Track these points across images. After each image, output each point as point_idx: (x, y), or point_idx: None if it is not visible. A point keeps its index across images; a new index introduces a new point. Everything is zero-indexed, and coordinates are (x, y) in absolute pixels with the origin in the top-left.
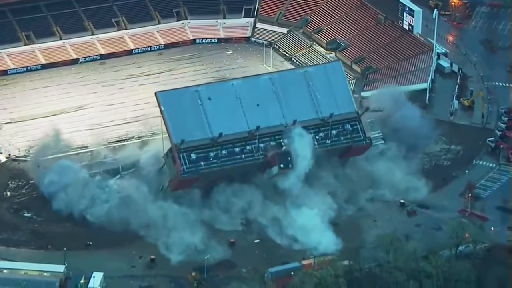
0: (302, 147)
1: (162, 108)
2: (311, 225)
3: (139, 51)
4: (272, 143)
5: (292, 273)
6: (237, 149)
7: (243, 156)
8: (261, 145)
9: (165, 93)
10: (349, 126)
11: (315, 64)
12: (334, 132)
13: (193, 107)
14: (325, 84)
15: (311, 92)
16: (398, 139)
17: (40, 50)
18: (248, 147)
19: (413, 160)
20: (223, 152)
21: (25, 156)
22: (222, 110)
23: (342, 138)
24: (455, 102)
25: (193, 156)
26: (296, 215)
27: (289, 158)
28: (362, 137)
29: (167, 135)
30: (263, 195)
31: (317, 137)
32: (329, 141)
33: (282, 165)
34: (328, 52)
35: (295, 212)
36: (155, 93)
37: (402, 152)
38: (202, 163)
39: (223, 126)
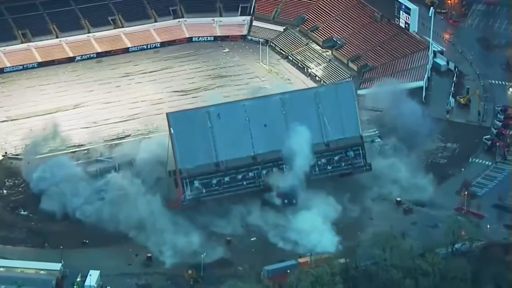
0: (300, 144)
1: (172, 131)
2: (311, 227)
3: (136, 49)
4: (275, 169)
5: (289, 271)
6: (239, 176)
7: (245, 183)
8: (263, 171)
9: (176, 114)
10: (352, 153)
11: (327, 84)
12: (336, 158)
13: (202, 130)
14: (334, 105)
15: (319, 115)
16: (399, 137)
17: (36, 48)
18: (250, 174)
19: (415, 157)
20: (226, 179)
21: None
22: (230, 133)
23: (343, 164)
24: (452, 100)
25: (196, 183)
26: (296, 219)
27: (294, 196)
28: (362, 163)
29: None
30: (262, 201)
31: (319, 163)
32: (330, 167)
33: (286, 201)
34: (325, 50)
35: (295, 216)
36: (167, 114)
37: (404, 150)
38: (204, 190)
39: (229, 150)
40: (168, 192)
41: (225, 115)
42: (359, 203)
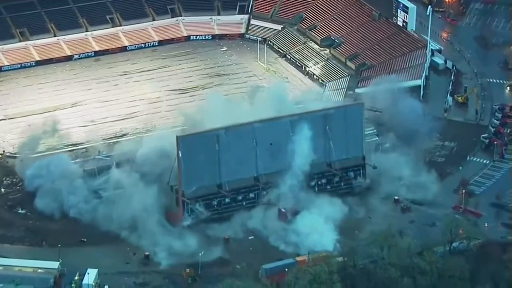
0: (300, 143)
1: (180, 155)
2: (314, 230)
3: (134, 48)
4: (275, 189)
5: (286, 269)
6: (239, 197)
7: (244, 203)
8: (264, 192)
9: (186, 138)
10: (352, 173)
11: (338, 106)
12: (336, 178)
13: (209, 153)
14: (341, 127)
15: (325, 138)
16: (397, 135)
17: (34, 47)
18: (251, 194)
19: (415, 156)
20: (226, 200)
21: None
22: (236, 155)
23: (342, 184)
24: (449, 98)
25: (197, 206)
26: (298, 222)
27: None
28: (361, 182)
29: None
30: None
31: (319, 183)
32: (329, 187)
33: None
34: (323, 48)
35: (297, 220)
36: (177, 137)
37: (403, 148)
38: (204, 211)
39: (233, 172)
40: (169, 201)
41: (234, 137)
42: (361, 202)
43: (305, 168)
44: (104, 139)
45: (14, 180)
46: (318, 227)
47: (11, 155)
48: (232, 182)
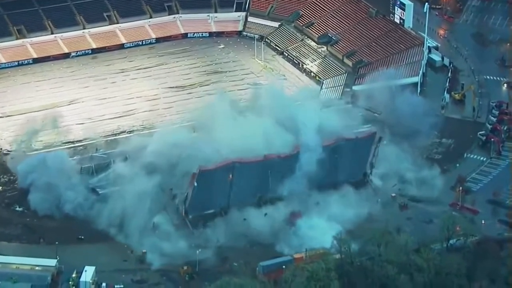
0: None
1: (195, 184)
2: (320, 231)
3: (131, 45)
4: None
5: (284, 266)
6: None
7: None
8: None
9: (206, 173)
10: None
11: (349, 138)
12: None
13: (222, 182)
14: (349, 155)
15: (332, 164)
16: (395, 132)
17: (31, 45)
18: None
19: (414, 154)
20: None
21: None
22: (247, 184)
23: None
24: (446, 95)
25: (192, 228)
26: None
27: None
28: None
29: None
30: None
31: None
32: None
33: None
34: (320, 46)
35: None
36: (196, 172)
37: (401, 145)
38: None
39: (240, 196)
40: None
41: (250, 169)
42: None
43: (312, 168)
44: (102, 136)
45: (12, 177)
46: (324, 229)
47: (8, 152)
48: (236, 204)
